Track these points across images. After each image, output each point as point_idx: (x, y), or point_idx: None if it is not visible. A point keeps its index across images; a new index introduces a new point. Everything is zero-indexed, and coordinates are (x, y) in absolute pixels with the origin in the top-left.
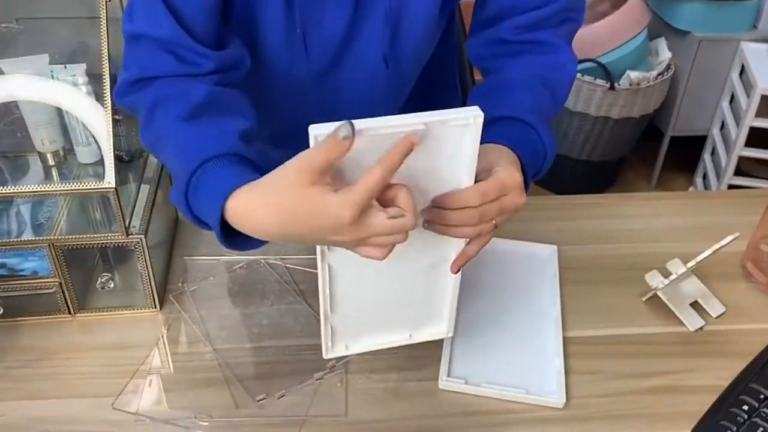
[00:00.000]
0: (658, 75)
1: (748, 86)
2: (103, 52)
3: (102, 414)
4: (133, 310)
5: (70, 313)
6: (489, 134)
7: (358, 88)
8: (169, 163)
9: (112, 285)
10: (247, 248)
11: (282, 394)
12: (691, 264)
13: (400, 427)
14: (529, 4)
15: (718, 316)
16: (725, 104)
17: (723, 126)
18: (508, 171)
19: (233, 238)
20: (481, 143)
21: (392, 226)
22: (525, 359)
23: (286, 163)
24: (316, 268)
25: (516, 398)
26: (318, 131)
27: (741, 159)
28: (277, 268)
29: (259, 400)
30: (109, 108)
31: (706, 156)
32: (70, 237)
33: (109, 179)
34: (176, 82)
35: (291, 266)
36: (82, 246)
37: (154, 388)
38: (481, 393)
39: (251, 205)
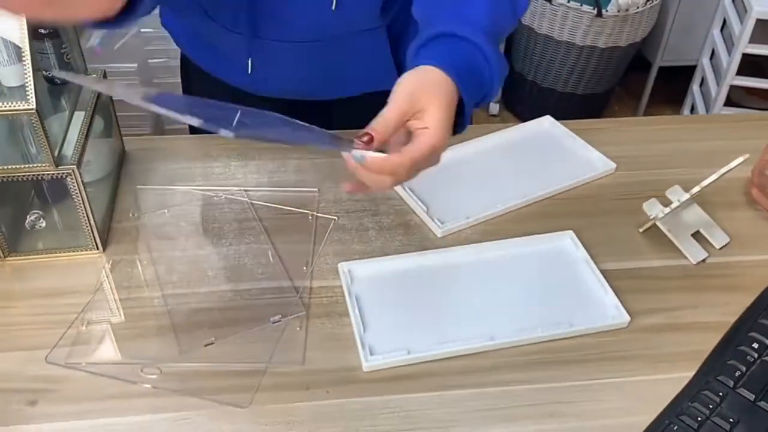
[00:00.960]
0: (647, 0)
1: (741, 11)
2: None
3: (35, 369)
4: (74, 251)
5: None
6: (432, 54)
7: None
8: None
9: (43, 224)
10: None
11: (215, 340)
12: (695, 190)
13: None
14: None
15: (722, 247)
16: (716, 31)
17: (713, 54)
18: (440, 131)
19: None
20: (424, 62)
21: None
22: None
23: None
24: (282, 203)
25: (575, 333)
26: None
27: (732, 89)
28: (238, 202)
29: (206, 345)
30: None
31: (695, 87)
32: None
33: (30, 99)
34: None
35: (253, 201)
36: (8, 179)
37: (95, 339)
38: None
39: None
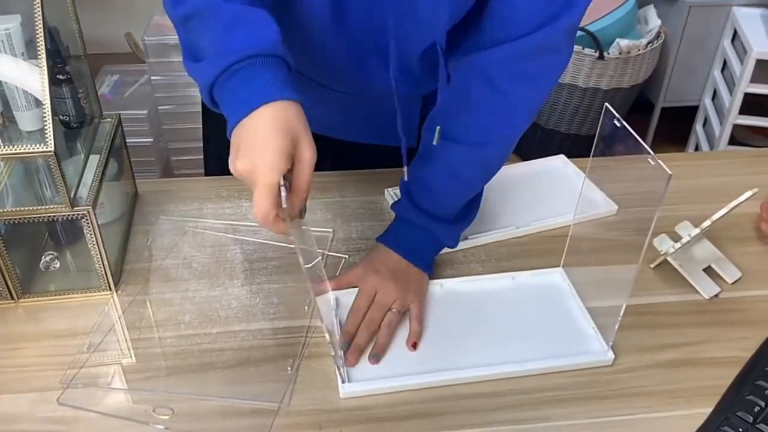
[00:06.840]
0: (648, 43)
1: (741, 52)
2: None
3: (46, 410)
4: (86, 292)
5: (12, 298)
6: (392, 239)
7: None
8: (204, 38)
9: (57, 264)
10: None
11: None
12: (705, 224)
13: (393, 413)
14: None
15: (734, 282)
16: (717, 72)
17: (715, 95)
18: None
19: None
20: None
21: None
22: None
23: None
24: (293, 243)
25: (561, 367)
26: None
27: (735, 128)
28: (250, 243)
29: (219, 385)
30: (44, 61)
31: (698, 127)
32: (7, 210)
33: (48, 141)
34: None
35: (264, 240)
36: (23, 221)
37: (107, 380)
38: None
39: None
